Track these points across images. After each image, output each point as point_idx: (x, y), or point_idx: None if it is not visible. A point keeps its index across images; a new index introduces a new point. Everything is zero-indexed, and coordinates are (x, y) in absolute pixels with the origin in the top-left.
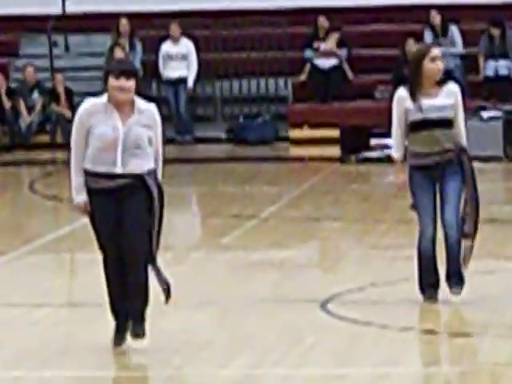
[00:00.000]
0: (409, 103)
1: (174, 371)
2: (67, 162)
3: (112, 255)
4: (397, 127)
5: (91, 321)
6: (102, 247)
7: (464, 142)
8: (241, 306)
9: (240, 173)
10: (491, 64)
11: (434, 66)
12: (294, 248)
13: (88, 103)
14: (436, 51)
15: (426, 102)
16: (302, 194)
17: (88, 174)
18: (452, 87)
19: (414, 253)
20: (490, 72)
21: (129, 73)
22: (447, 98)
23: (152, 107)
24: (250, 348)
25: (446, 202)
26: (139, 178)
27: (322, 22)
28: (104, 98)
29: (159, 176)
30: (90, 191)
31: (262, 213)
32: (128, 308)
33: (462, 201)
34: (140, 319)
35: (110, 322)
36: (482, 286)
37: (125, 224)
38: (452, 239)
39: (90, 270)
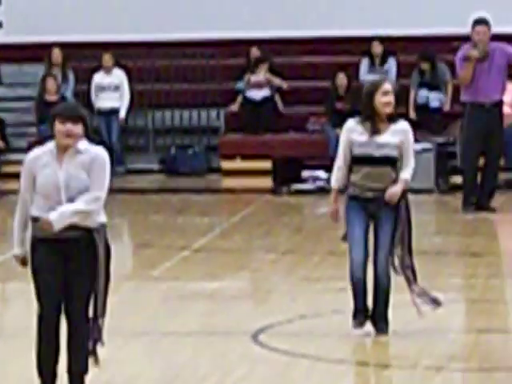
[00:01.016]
0: (356, 136)
1: None
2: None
3: (49, 313)
4: (341, 158)
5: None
6: (39, 302)
7: (407, 173)
8: (172, 338)
9: (172, 204)
10: (423, 94)
11: (384, 99)
12: (225, 279)
13: (33, 151)
14: (387, 85)
15: (373, 138)
16: (234, 225)
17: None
18: (401, 126)
19: (346, 284)
20: (421, 101)
21: (76, 118)
22: (393, 137)
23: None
24: (181, 380)
25: (380, 247)
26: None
27: (254, 52)
28: (51, 144)
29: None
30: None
31: (193, 244)
32: (68, 371)
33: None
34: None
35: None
36: (414, 317)
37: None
38: (382, 287)
39: (20, 301)
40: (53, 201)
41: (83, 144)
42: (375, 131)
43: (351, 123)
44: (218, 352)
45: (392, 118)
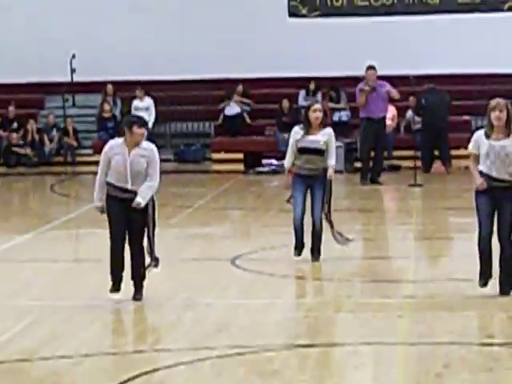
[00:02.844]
0: (299, 136)
1: None
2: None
3: (118, 242)
4: (290, 150)
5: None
6: (111, 235)
7: (330, 161)
8: (185, 263)
9: (182, 180)
10: (336, 114)
11: (314, 115)
12: (214, 226)
13: (109, 144)
14: (317, 105)
15: (310, 138)
16: (220, 193)
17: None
18: (328, 130)
19: (290, 229)
20: (336, 118)
21: (144, 123)
22: (322, 136)
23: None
24: (189, 288)
25: (315, 205)
26: None
27: (237, 87)
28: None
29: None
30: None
31: (194, 204)
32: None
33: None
34: (140, 283)
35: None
36: (337, 248)
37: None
38: (316, 227)
39: (90, 239)
40: (122, 176)
41: (145, 142)
42: (309, 133)
43: (296, 128)
44: (209, 271)
45: (322, 125)
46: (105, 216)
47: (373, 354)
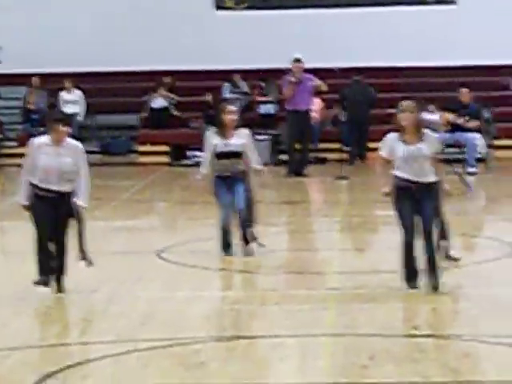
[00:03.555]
0: (216, 140)
1: None
2: None
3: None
4: (207, 154)
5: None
6: (37, 232)
7: (254, 163)
8: (107, 256)
9: (108, 172)
10: (263, 106)
11: (229, 117)
12: (140, 218)
13: (36, 140)
14: (231, 107)
15: (226, 141)
16: (145, 185)
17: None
18: (245, 131)
19: (215, 222)
20: (263, 111)
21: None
22: (239, 139)
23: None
24: (115, 279)
25: (238, 200)
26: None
27: (164, 79)
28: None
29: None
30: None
31: (120, 197)
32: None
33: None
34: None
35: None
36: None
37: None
38: (242, 217)
39: (15, 232)
40: (48, 175)
41: (70, 139)
42: (225, 137)
43: (211, 131)
44: (134, 264)
45: (236, 127)
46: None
47: (298, 346)
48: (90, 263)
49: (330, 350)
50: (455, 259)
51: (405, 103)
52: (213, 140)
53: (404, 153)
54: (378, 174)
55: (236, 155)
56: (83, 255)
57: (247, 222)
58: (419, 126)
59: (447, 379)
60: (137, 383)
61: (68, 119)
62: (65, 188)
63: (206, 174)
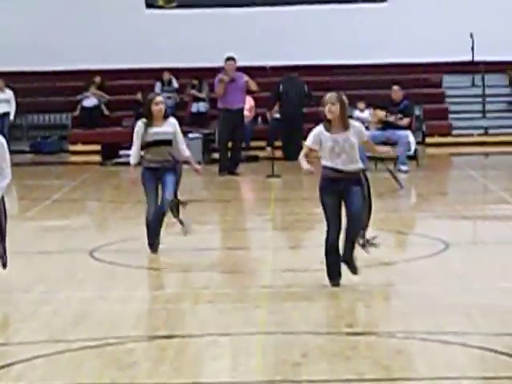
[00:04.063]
0: (143, 130)
1: None
2: None
3: None
4: (136, 145)
5: None
6: None
7: (186, 152)
8: (42, 256)
9: (39, 172)
10: (195, 105)
11: (157, 107)
12: (72, 218)
13: None
14: (159, 98)
15: (155, 130)
16: (77, 185)
17: None
18: (172, 121)
19: (143, 220)
20: (194, 109)
21: None
22: (169, 127)
23: None
24: (44, 280)
25: (165, 189)
26: None
27: (95, 78)
28: None
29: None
30: None
31: (52, 196)
32: None
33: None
34: None
35: None
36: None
37: None
38: (164, 209)
39: None
40: None
41: None
42: (154, 125)
43: (139, 123)
44: (67, 264)
45: (165, 116)
46: None
47: (231, 345)
48: (4, 264)
49: (262, 348)
50: (374, 245)
51: (328, 95)
52: (141, 129)
53: (332, 143)
54: (301, 159)
55: (166, 143)
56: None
57: (163, 214)
58: (344, 116)
59: (380, 376)
60: (69, 383)
61: None
62: None
63: (134, 163)
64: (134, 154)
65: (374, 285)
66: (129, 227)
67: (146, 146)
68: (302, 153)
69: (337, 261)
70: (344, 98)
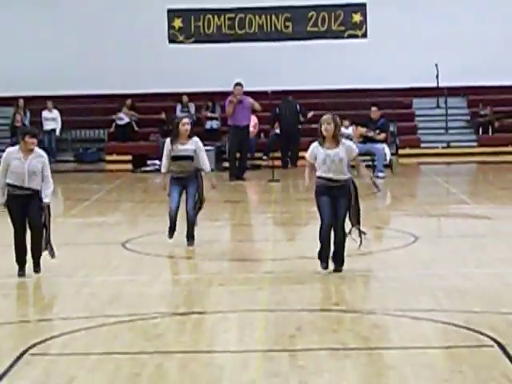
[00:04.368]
0: (170, 147)
1: None
2: None
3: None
4: (165, 158)
5: None
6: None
7: (207, 166)
8: (83, 246)
9: (81, 177)
10: (208, 122)
11: (183, 128)
12: (108, 216)
13: (8, 149)
14: (186, 120)
15: (180, 147)
16: (112, 188)
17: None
18: (195, 139)
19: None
20: (208, 126)
21: (35, 134)
22: (190, 145)
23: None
24: (85, 265)
25: (188, 198)
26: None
27: (126, 101)
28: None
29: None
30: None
31: (92, 197)
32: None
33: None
34: (38, 259)
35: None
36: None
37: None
38: (190, 217)
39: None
40: (20, 176)
41: (37, 148)
42: (180, 143)
43: (167, 141)
44: (103, 253)
45: (190, 136)
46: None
47: (238, 320)
48: (52, 255)
49: (264, 323)
50: (364, 232)
51: (325, 117)
52: (170, 146)
53: (324, 156)
54: (306, 175)
55: (188, 158)
56: (46, 244)
57: (193, 223)
58: (336, 134)
59: (361, 346)
60: (106, 351)
61: (35, 132)
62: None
63: (164, 172)
64: (163, 164)
65: (357, 271)
66: (155, 223)
67: (172, 159)
68: (307, 169)
69: (328, 248)
70: (337, 119)
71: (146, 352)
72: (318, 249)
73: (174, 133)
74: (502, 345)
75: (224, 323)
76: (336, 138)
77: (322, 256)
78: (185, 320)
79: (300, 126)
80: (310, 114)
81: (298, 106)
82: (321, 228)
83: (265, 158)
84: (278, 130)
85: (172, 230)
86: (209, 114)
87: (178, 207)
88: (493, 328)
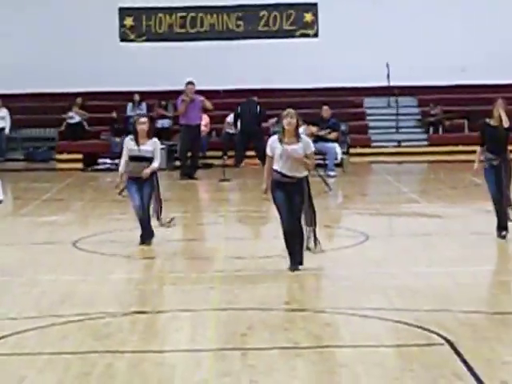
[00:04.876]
0: (130, 145)
1: None
2: None
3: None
4: (124, 158)
5: None
6: None
7: (153, 164)
8: (34, 246)
9: (31, 176)
10: (160, 121)
11: (140, 127)
12: (59, 214)
13: None
14: (143, 119)
15: (139, 147)
16: (63, 187)
17: None
18: (154, 140)
19: (121, 216)
20: (159, 125)
21: None
22: (150, 146)
23: None
24: (37, 264)
25: (143, 199)
26: None
27: (77, 99)
28: None
29: None
30: None
31: (42, 197)
32: None
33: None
34: None
35: None
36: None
37: None
38: (144, 215)
39: None
40: None
41: None
42: (139, 143)
43: (127, 139)
44: (55, 253)
45: (149, 136)
46: None
47: (190, 319)
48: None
49: (216, 322)
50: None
51: (288, 111)
52: (129, 145)
53: (281, 152)
54: (265, 170)
55: (146, 159)
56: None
57: (148, 221)
58: (297, 129)
59: (312, 344)
60: (57, 351)
61: None
62: None
63: (121, 172)
64: (121, 164)
65: (308, 269)
66: (106, 222)
67: (130, 159)
68: (267, 162)
69: (294, 243)
70: (298, 115)
71: (96, 351)
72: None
73: (133, 132)
74: (452, 343)
75: (175, 322)
76: (296, 133)
77: (291, 252)
78: (136, 319)
79: (262, 125)
80: (270, 123)
81: (258, 108)
82: (282, 224)
83: (225, 157)
84: (230, 130)
85: (146, 232)
86: (163, 112)
87: (142, 204)
88: (443, 326)
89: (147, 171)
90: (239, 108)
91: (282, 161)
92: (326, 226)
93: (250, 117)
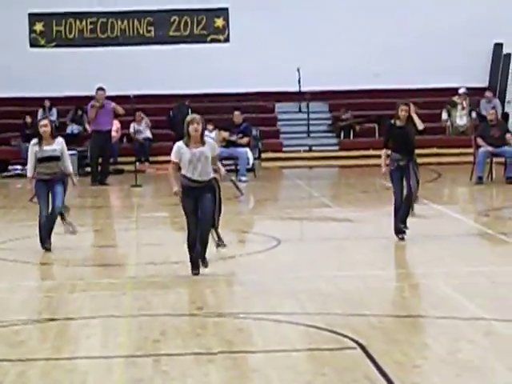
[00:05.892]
0: (36, 149)
1: None
2: None
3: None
4: (30, 161)
5: None
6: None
7: (69, 169)
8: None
9: None
10: (69, 127)
11: (43, 129)
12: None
13: None
14: (44, 122)
15: (45, 148)
16: None
17: None
18: (60, 139)
19: (32, 223)
20: (69, 131)
21: None
22: (56, 145)
23: None
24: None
25: (55, 198)
26: None
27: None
28: None
29: None
30: None
31: None
32: None
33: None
34: None
35: None
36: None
37: None
38: (54, 216)
39: None
40: None
41: None
42: (44, 144)
43: (32, 143)
44: None
45: (55, 136)
46: None
47: (102, 326)
48: None
49: (128, 328)
50: (223, 244)
51: (193, 117)
52: (34, 147)
53: (190, 156)
54: (170, 176)
55: (55, 159)
56: None
57: (54, 223)
58: (203, 134)
59: (224, 349)
60: None
61: None
62: None
63: (30, 175)
64: (29, 167)
65: (220, 274)
66: (17, 229)
67: (38, 161)
68: (171, 168)
69: (197, 253)
70: (203, 120)
71: (7, 359)
72: (188, 255)
73: (37, 135)
74: (363, 346)
75: (87, 329)
76: (202, 138)
77: (193, 262)
78: (47, 327)
79: None
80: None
81: (189, 111)
82: (188, 233)
83: (147, 164)
84: (141, 136)
85: (46, 240)
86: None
87: (53, 205)
88: (355, 330)
89: (75, 183)
90: (171, 112)
91: (191, 166)
92: (238, 230)
93: (182, 120)
